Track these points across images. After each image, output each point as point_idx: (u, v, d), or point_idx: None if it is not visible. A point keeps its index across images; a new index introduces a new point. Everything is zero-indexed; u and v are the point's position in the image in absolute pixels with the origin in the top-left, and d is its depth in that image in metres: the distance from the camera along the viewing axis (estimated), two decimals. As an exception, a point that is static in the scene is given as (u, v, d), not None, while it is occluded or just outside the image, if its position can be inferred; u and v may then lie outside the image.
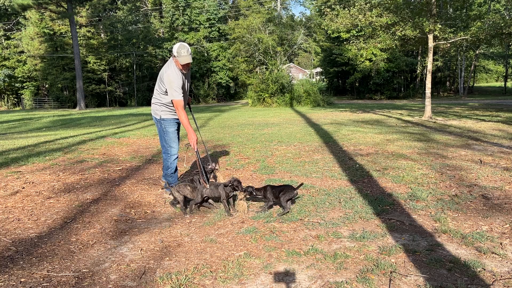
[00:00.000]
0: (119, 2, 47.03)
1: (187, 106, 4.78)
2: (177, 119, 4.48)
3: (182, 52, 4.05)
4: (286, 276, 2.66)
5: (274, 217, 3.86)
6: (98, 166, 6.25)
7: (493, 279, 2.55)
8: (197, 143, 4.34)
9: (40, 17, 38.14)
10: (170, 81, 4.11)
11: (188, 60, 4.10)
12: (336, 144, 8.11)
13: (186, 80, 4.37)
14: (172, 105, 4.35)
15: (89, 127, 13.27)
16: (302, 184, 4.11)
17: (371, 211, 3.93)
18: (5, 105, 41.70)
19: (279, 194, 3.91)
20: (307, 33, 36.95)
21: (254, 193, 4.03)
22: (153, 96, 4.49)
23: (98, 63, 40.28)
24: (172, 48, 4.24)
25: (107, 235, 3.47)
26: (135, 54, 42.49)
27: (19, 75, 40.20)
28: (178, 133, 4.63)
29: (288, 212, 3.88)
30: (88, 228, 3.63)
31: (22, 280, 2.65)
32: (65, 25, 38.69)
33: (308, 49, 39.21)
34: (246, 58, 35.12)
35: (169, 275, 2.69)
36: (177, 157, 4.56)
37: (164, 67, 4.27)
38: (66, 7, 31.89)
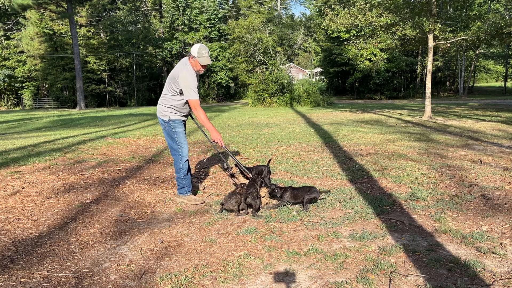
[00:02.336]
0: (119, 2, 47.03)
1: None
2: (184, 120, 4.43)
3: (203, 52, 4.07)
4: (286, 276, 2.66)
5: (274, 217, 3.86)
6: (98, 166, 6.24)
7: (493, 279, 2.55)
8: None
9: (40, 17, 38.13)
10: (187, 81, 4.06)
11: (209, 61, 4.15)
12: (336, 144, 8.11)
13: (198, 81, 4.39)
14: (180, 106, 4.27)
15: (89, 127, 13.27)
16: (329, 191, 4.45)
17: (371, 211, 3.93)
18: (5, 105, 41.71)
19: (304, 194, 4.04)
20: (307, 33, 36.93)
21: (276, 190, 4.11)
22: (162, 97, 4.36)
23: (98, 63, 40.29)
24: (191, 48, 4.15)
25: (107, 235, 3.47)
26: (135, 54, 42.49)
27: (19, 75, 40.21)
28: (185, 135, 4.55)
29: (307, 211, 4.01)
30: (88, 228, 3.63)
31: (22, 280, 2.65)
32: (65, 25, 38.70)
33: (308, 49, 39.19)
34: (246, 58, 35.11)
35: (169, 275, 2.69)
36: (188, 159, 4.43)
37: (178, 68, 4.18)
38: (66, 7, 31.89)
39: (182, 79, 4.06)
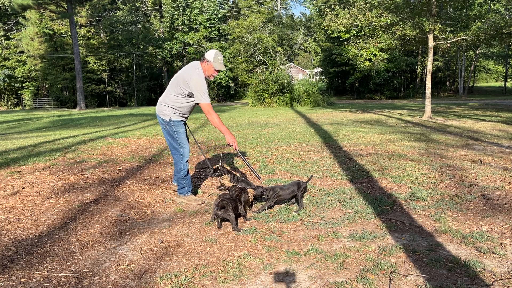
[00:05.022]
0: (119, 2, 47.05)
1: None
2: (184, 120, 4.43)
3: (219, 58, 4.15)
4: (286, 276, 2.66)
5: (274, 217, 3.86)
6: (98, 166, 6.24)
7: (493, 279, 2.54)
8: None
9: (40, 17, 38.12)
10: (200, 85, 4.07)
11: (223, 67, 4.24)
12: (336, 144, 8.11)
13: None
14: (184, 109, 4.27)
15: (89, 127, 13.27)
16: (312, 176, 4.50)
17: (371, 211, 3.93)
18: (5, 105, 41.70)
19: (296, 191, 4.04)
20: (307, 33, 36.97)
21: (265, 193, 4.04)
22: (165, 97, 4.31)
23: (98, 63, 40.28)
24: (207, 53, 4.20)
25: (107, 235, 3.47)
26: (135, 54, 42.48)
27: (19, 75, 40.20)
28: (186, 135, 4.54)
29: (303, 208, 4.04)
30: (88, 228, 3.63)
31: (22, 280, 2.65)
32: (65, 25, 38.70)
33: (308, 49, 39.25)
34: (246, 58, 35.14)
35: (169, 275, 2.69)
36: (187, 160, 4.43)
37: (189, 71, 4.15)
38: (66, 7, 31.89)
39: (195, 83, 4.06)
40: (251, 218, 3.83)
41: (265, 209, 4.03)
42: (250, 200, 4.07)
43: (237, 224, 3.60)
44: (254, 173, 4.49)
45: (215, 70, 4.17)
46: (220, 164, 4.70)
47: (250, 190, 4.09)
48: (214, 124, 4.20)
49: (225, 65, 4.24)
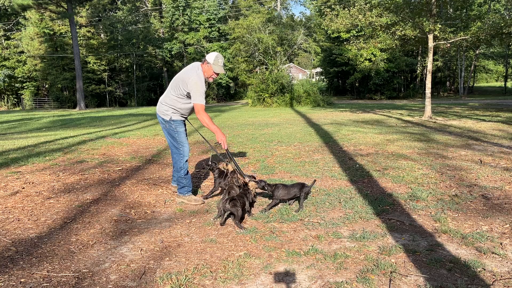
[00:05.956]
0: (119, 2, 47.06)
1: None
2: (184, 120, 4.45)
3: (219, 61, 4.20)
4: (286, 276, 2.66)
5: (274, 217, 3.86)
6: (98, 166, 6.24)
7: (493, 279, 2.55)
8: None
9: (40, 17, 38.12)
10: (197, 85, 4.11)
11: (222, 70, 4.29)
12: (336, 144, 8.11)
13: None
14: (183, 109, 4.30)
15: (89, 127, 13.27)
16: (315, 181, 4.41)
17: (371, 211, 3.93)
18: (5, 105, 41.67)
19: (300, 191, 4.04)
20: (307, 33, 36.91)
21: (266, 188, 4.06)
22: (165, 97, 4.37)
23: (98, 63, 40.29)
24: (208, 55, 4.25)
25: (107, 235, 3.47)
26: (135, 54, 42.48)
27: (19, 75, 40.19)
28: (186, 134, 4.57)
29: (302, 209, 4.02)
30: (88, 228, 3.63)
31: (22, 280, 2.65)
32: (65, 25, 38.70)
33: (308, 49, 39.15)
34: (246, 58, 35.08)
35: (169, 275, 2.69)
36: (187, 159, 4.45)
37: (187, 72, 4.20)
38: (66, 7, 31.90)
39: (193, 83, 4.11)
40: (253, 214, 3.86)
41: (272, 207, 4.04)
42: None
43: (241, 221, 3.62)
44: (242, 174, 4.36)
45: (214, 72, 4.21)
46: (211, 162, 4.70)
47: (252, 183, 4.08)
48: (203, 123, 4.24)
49: (225, 65, 4.25)
